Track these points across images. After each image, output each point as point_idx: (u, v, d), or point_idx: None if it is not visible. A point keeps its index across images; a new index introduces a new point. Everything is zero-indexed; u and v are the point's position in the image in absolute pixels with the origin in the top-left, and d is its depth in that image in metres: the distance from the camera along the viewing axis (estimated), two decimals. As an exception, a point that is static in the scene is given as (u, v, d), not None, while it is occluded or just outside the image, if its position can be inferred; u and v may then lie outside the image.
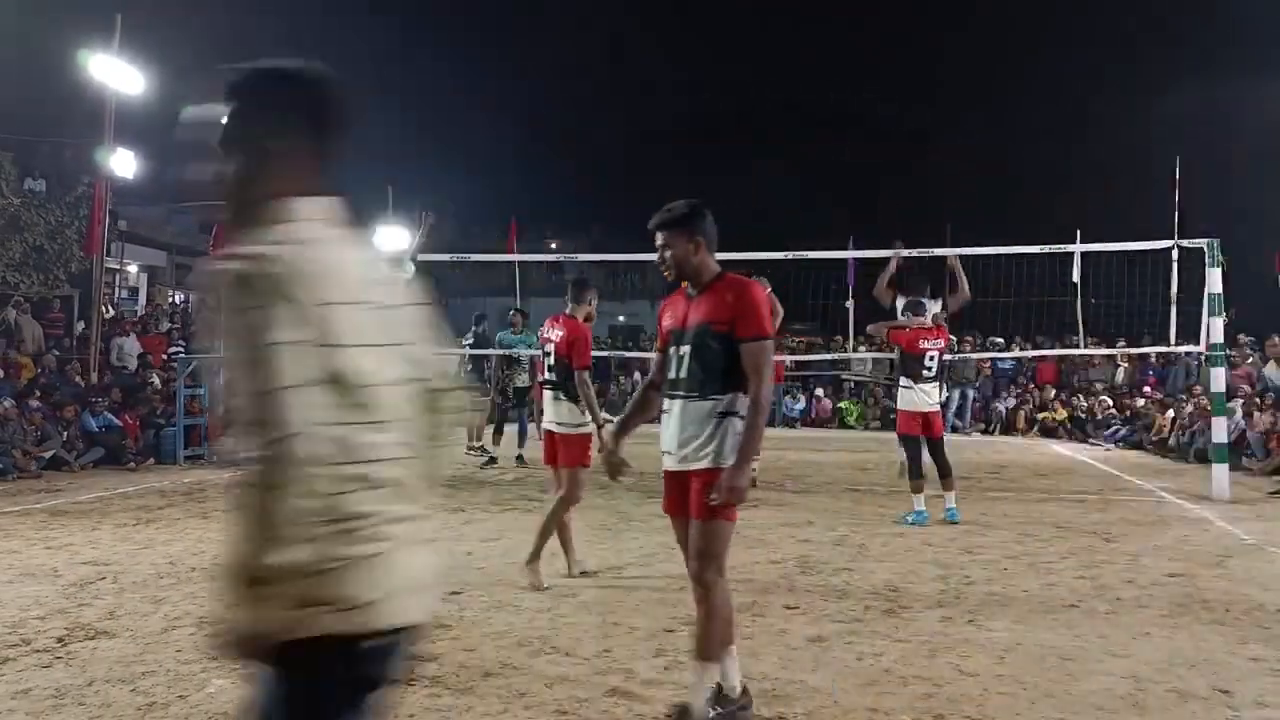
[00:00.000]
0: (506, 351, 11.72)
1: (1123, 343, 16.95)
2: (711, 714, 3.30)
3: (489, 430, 11.86)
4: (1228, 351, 10.99)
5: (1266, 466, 11.34)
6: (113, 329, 15.20)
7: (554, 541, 6.57)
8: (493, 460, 11.44)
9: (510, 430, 11.81)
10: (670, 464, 3.39)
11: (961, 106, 58.49)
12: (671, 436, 3.37)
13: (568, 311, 5.77)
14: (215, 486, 9.30)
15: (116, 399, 11.98)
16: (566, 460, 5.53)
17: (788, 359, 18.95)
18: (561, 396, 5.56)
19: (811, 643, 4.27)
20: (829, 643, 4.28)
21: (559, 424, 5.56)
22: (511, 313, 12.31)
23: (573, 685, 3.66)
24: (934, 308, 8.81)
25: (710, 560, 3.30)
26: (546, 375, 5.70)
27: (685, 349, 3.35)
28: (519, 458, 11.32)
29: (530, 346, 11.49)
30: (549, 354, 5.68)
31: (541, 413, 5.79)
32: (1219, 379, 9.79)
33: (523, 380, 11.69)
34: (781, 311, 9.17)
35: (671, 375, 3.40)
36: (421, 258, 11.45)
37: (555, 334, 5.69)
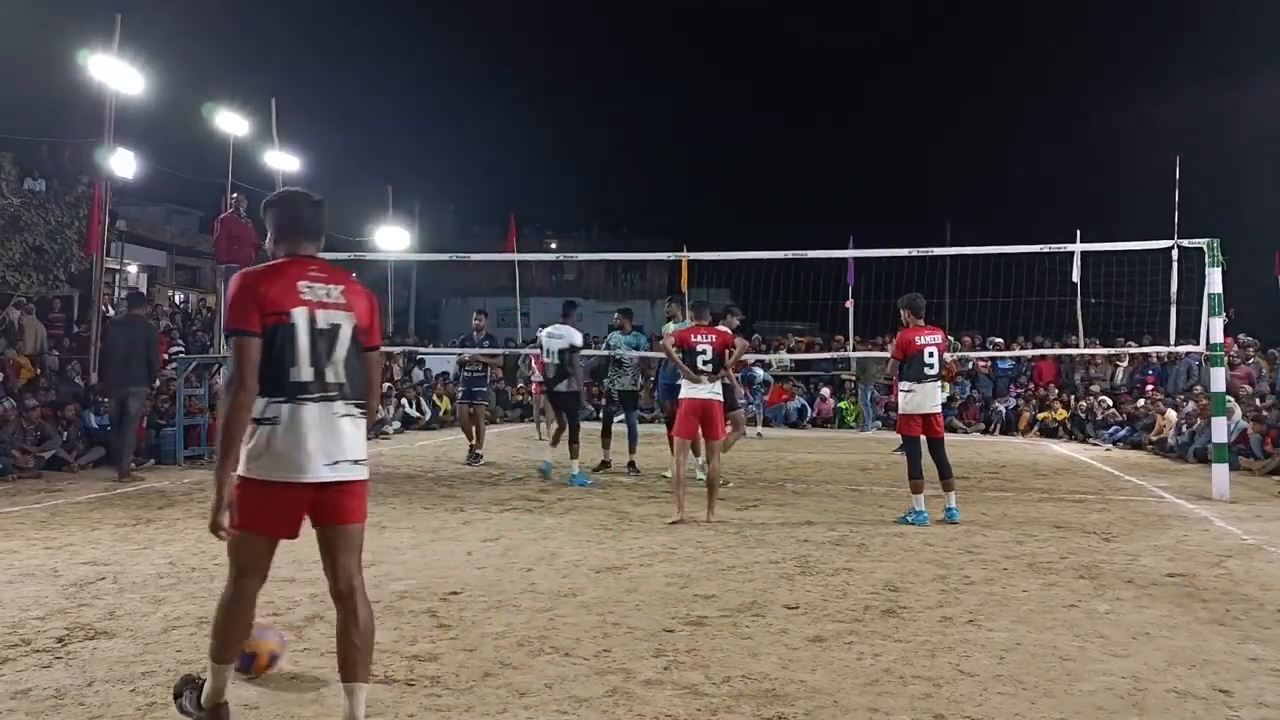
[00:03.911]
0: (609, 352, 11.02)
1: (1124, 342, 16.96)
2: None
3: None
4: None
5: (1265, 466, 11.35)
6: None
7: (553, 541, 6.59)
8: (478, 457, 11.64)
9: (619, 432, 11.00)
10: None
11: (961, 106, 58.52)
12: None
13: (702, 324, 7.74)
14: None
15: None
16: (721, 430, 7.68)
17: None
18: (721, 379, 7.63)
19: (811, 643, 4.27)
20: (829, 643, 4.27)
21: (718, 394, 7.57)
22: (616, 315, 11.61)
23: (572, 685, 3.66)
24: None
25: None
26: (702, 366, 7.49)
27: None
28: (631, 465, 10.65)
29: (638, 349, 11.22)
30: (704, 352, 7.50)
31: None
32: (1219, 379, 9.79)
33: (625, 384, 10.97)
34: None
35: None
36: (422, 258, 11.44)
37: (709, 338, 7.58)
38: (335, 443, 3.00)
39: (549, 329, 10.29)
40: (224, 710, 3.14)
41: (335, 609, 3.10)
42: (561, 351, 9.92)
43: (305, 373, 2.98)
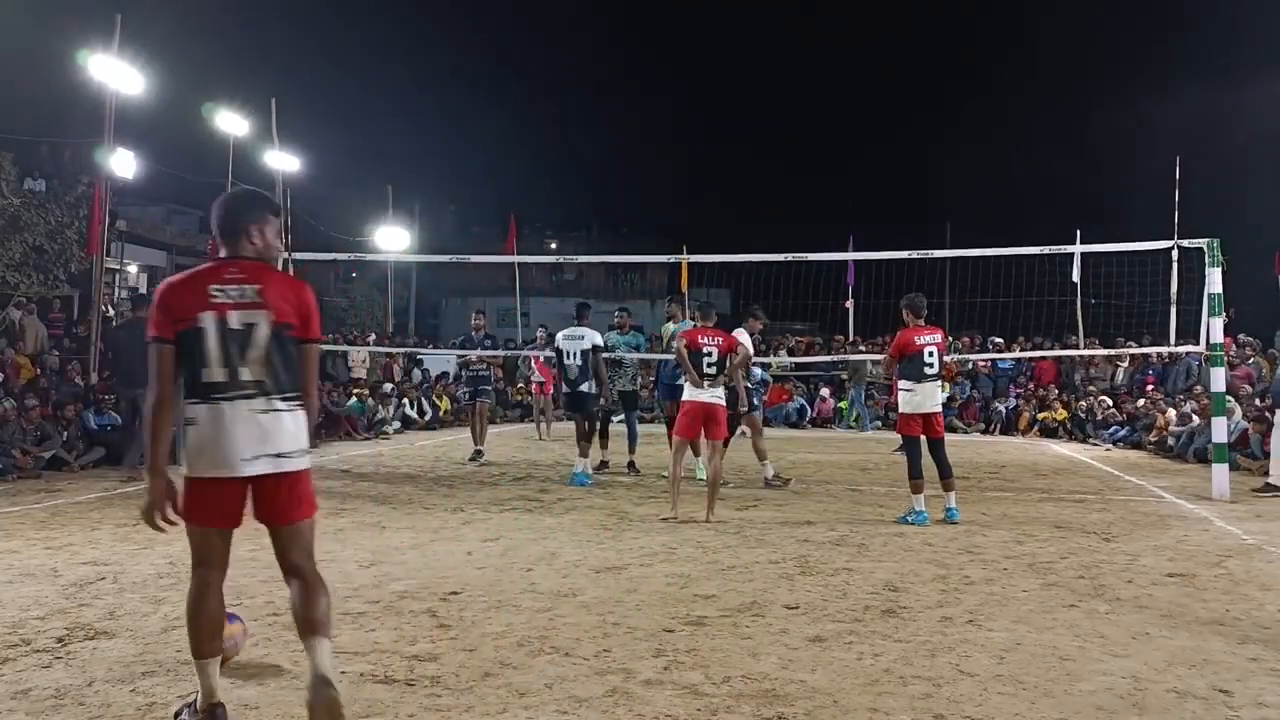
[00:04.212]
0: (608, 354, 10.70)
1: (1124, 342, 16.97)
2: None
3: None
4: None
5: (1264, 466, 11.32)
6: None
7: (553, 541, 6.60)
8: (479, 454, 11.86)
9: (617, 432, 11.07)
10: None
11: (961, 106, 58.53)
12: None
13: (708, 325, 7.79)
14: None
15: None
16: (725, 431, 7.71)
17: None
18: (722, 382, 7.66)
19: (811, 643, 4.27)
20: (829, 643, 4.27)
21: (720, 399, 7.60)
22: (617, 313, 11.53)
23: (572, 685, 3.66)
24: None
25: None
26: (707, 369, 7.52)
27: None
28: (631, 465, 10.66)
29: (638, 349, 11.24)
30: (709, 354, 7.54)
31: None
32: (1219, 379, 9.79)
33: (624, 384, 10.97)
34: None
35: None
36: (422, 259, 11.44)
37: (715, 340, 7.64)
38: (255, 438, 3.08)
39: (565, 331, 10.22)
40: (220, 711, 3.15)
41: (288, 587, 3.21)
42: (584, 353, 9.89)
43: (217, 373, 3.08)
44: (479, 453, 11.85)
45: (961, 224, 31.41)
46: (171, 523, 3.09)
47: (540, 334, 16.23)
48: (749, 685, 3.69)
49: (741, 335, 9.71)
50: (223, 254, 3.25)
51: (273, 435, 3.10)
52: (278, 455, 3.10)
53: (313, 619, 3.10)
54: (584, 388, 9.92)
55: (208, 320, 3.09)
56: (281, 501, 3.14)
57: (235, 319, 3.10)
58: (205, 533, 3.14)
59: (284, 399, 3.15)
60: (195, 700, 3.20)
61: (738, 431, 9.89)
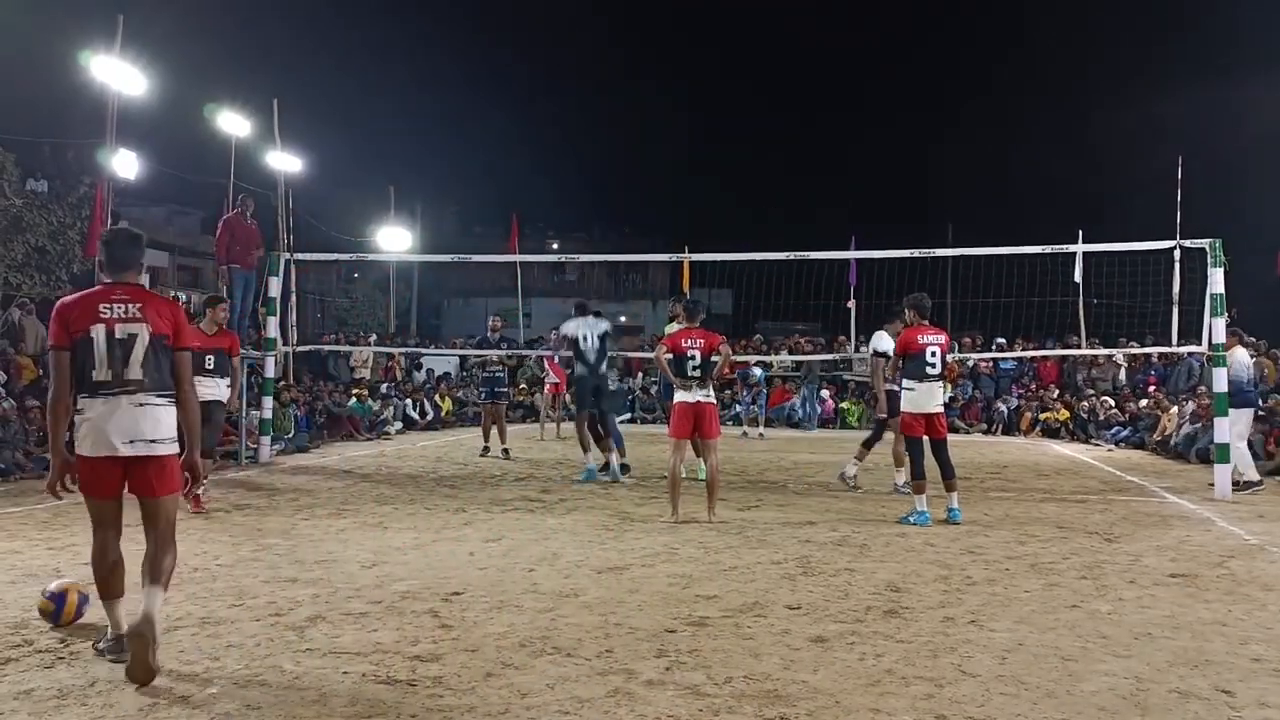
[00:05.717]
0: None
1: (1126, 342, 16.95)
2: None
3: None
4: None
5: (1266, 467, 11.32)
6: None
7: (554, 542, 6.60)
8: (487, 449, 12.60)
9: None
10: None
11: (962, 106, 58.48)
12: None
13: (693, 325, 7.80)
14: (215, 485, 9.30)
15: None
16: (716, 430, 7.71)
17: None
18: (709, 383, 7.62)
19: (813, 643, 4.27)
20: (831, 643, 4.27)
21: (709, 398, 7.63)
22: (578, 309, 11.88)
23: (574, 685, 3.66)
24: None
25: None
26: (691, 372, 7.55)
27: None
28: (625, 467, 10.31)
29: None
30: (693, 357, 7.54)
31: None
32: (1221, 379, 9.78)
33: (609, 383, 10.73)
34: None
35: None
36: (425, 259, 11.47)
37: (698, 342, 7.60)
38: (132, 426, 3.80)
39: (577, 322, 10.16)
40: (121, 642, 3.79)
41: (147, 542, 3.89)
42: (601, 337, 9.96)
43: (103, 374, 3.80)
44: (487, 449, 12.54)
45: (963, 224, 31.33)
46: (70, 491, 3.79)
47: (553, 335, 16.24)
48: (751, 685, 3.69)
49: (880, 339, 9.42)
50: (107, 279, 3.96)
51: (148, 424, 3.82)
52: (150, 441, 3.81)
53: (156, 568, 3.82)
54: (603, 370, 9.92)
55: (98, 331, 3.80)
56: (150, 479, 3.85)
57: (120, 330, 3.82)
58: (99, 503, 3.85)
59: (158, 395, 3.87)
60: (108, 632, 3.93)
61: (882, 437, 9.58)
